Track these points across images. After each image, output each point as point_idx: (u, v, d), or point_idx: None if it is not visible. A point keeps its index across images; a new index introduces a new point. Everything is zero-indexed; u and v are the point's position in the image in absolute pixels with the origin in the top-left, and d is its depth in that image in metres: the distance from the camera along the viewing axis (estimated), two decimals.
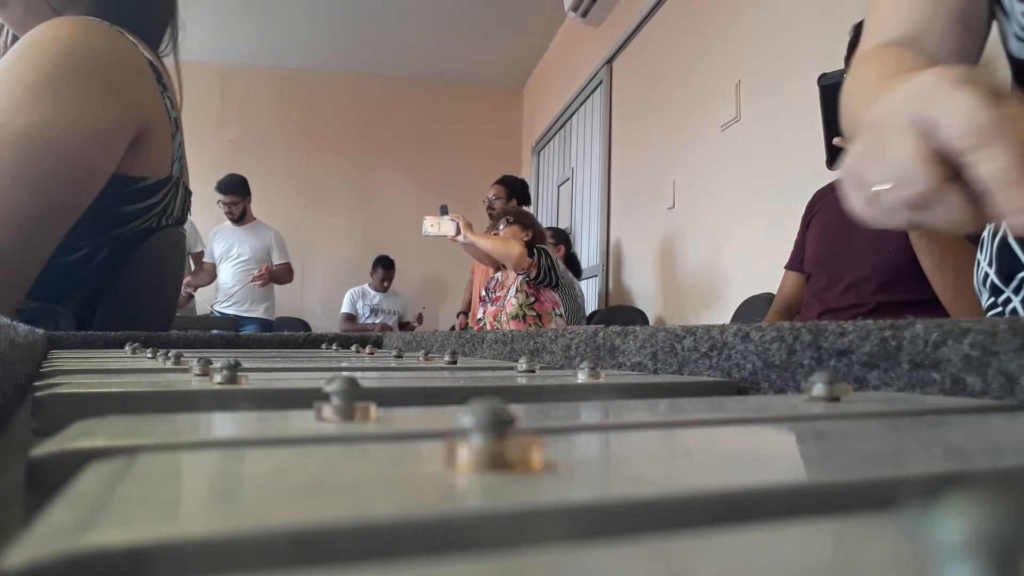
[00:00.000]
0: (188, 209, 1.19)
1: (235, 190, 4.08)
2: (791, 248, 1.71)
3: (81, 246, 1.01)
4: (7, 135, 0.86)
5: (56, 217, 0.93)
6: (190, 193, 1.20)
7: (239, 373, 0.37)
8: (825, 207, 1.50)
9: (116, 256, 1.05)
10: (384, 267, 4.92)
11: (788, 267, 1.68)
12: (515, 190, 3.79)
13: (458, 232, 2.89)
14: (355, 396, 0.24)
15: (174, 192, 1.10)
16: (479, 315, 2.98)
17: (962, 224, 0.39)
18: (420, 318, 5.05)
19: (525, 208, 3.51)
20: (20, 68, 0.90)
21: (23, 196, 0.88)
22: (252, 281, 4.05)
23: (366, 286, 4.98)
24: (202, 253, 4.05)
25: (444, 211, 3.11)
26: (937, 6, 0.64)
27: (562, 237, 3.82)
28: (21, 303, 0.97)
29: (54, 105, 0.90)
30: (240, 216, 4.16)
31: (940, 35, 0.64)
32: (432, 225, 3.00)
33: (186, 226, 1.24)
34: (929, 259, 1.13)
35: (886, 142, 0.40)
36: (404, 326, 4.85)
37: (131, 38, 1.03)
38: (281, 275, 4.27)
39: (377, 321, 4.81)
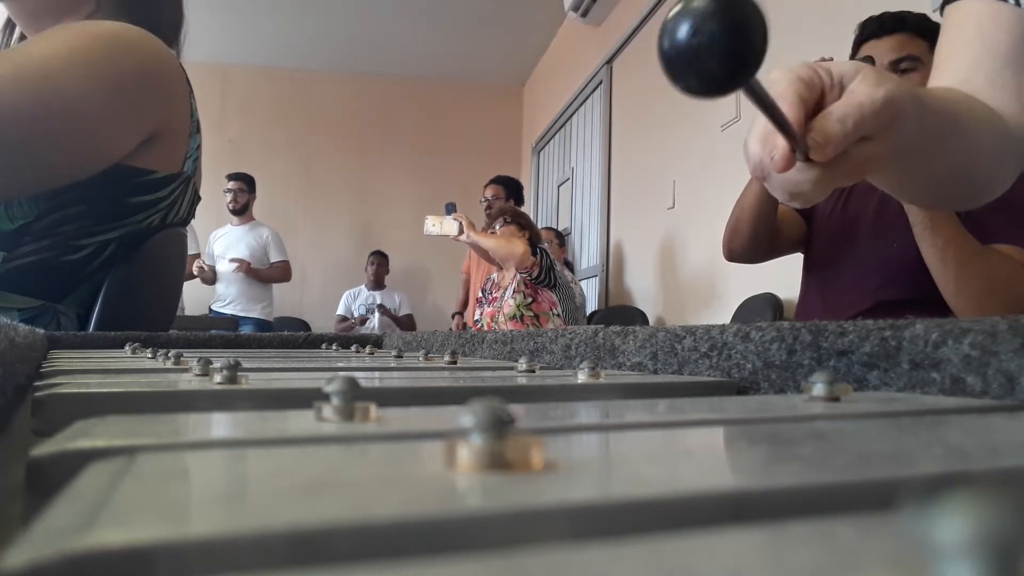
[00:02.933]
0: (193, 212, 1.19)
1: (243, 178, 4.22)
2: None
3: (85, 245, 1.01)
4: (26, 67, 0.87)
5: (31, 182, 0.93)
6: (199, 198, 1.20)
7: (239, 373, 0.37)
8: (829, 197, 1.49)
9: (119, 255, 1.05)
10: (378, 259, 4.92)
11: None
12: (512, 190, 3.79)
13: (460, 232, 2.88)
14: (355, 396, 0.24)
15: (183, 189, 1.11)
16: (476, 316, 2.98)
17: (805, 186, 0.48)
18: (411, 318, 5.01)
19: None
20: (53, 42, 0.92)
21: (19, 110, 0.87)
22: (235, 271, 4.07)
23: (362, 286, 4.98)
24: (197, 255, 4.06)
25: (451, 209, 3.11)
26: (986, 50, 0.66)
27: (562, 238, 3.83)
28: (23, 302, 0.97)
29: (68, 79, 0.91)
30: (242, 208, 4.20)
31: (986, 79, 0.66)
32: (434, 224, 3.00)
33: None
34: (932, 251, 1.12)
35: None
36: (397, 321, 4.82)
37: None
38: (276, 273, 4.28)
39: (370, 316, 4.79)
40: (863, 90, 0.47)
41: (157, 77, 1.02)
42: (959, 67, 0.68)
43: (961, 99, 0.63)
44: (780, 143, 0.46)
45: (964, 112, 0.61)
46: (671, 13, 0.33)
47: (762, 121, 0.48)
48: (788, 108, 0.46)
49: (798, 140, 0.46)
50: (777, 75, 0.49)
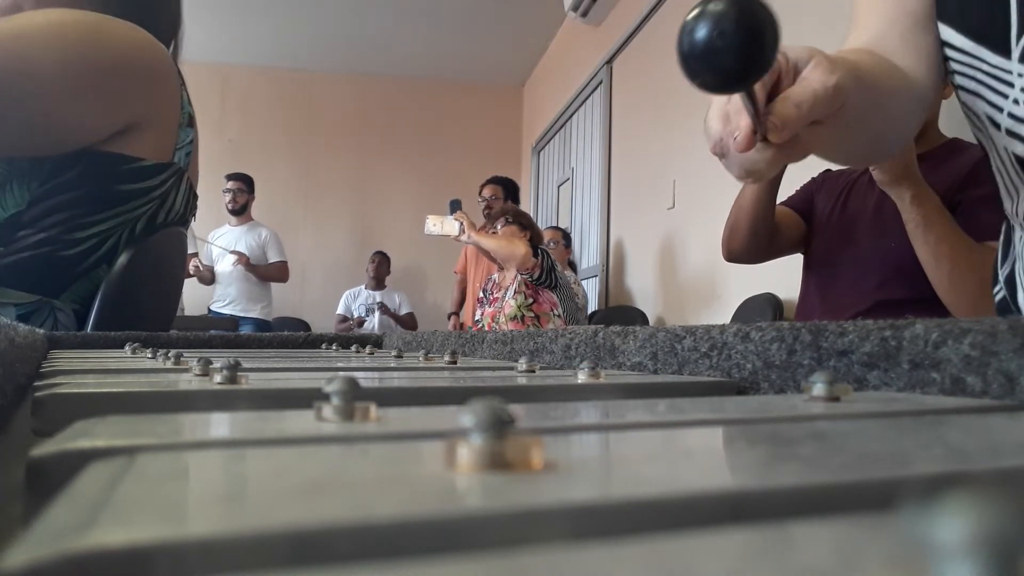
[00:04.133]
0: (192, 212, 1.19)
1: (242, 178, 4.24)
2: None
3: (81, 238, 1.01)
4: (7, 24, 0.89)
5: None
6: (196, 196, 1.20)
7: (239, 373, 0.37)
8: (829, 196, 1.48)
9: (117, 250, 1.05)
10: (379, 258, 4.92)
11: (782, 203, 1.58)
12: (509, 190, 3.79)
13: (461, 232, 2.88)
14: (355, 396, 0.24)
15: (176, 182, 1.11)
16: (476, 316, 2.98)
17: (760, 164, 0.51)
18: (412, 317, 5.01)
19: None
20: (30, 18, 0.93)
21: None
22: (235, 264, 4.08)
23: (362, 286, 4.98)
24: (195, 254, 4.07)
25: (457, 205, 3.10)
26: (902, 8, 0.71)
27: (569, 239, 3.82)
28: (20, 297, 0.98)
29: (58, 44, 0.92)
30: (241, 209, 4.22)
31: (900, 37, 0.70)
32: (435, 224, 2.99)
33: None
34: (925, 248, 1.12)
35: None
36: (398, 320, 4.82)
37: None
38: (274, 272, 4.28)
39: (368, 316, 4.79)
40: (817, 76, 0.50)
41: (138, 68, 1.03)
42: (875, 22, 0.72)
43: (883, 67, 0.67)
44: (743, 124, 0.49)
45: (886, 81, 0.65)
46: (690, 15, 0.36)
47: (720, 100, 0.51)
48: None
49: (760, 123, 0.48)
50: None
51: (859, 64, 0.60)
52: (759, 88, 0.48)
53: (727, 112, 0.51)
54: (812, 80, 0.50)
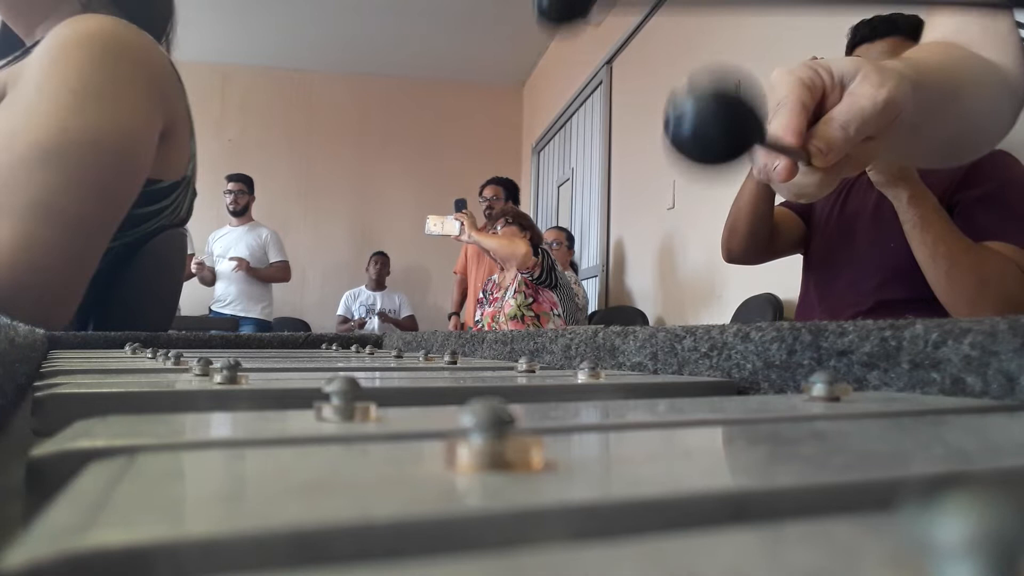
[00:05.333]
0: (191, 210, 1.19)
1: (243, 179, 4.24)
2: None
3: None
4: (66, 141, 0.87)
5: (112, 217, 0.94)
6: (195, 193, 1.20)
7: (239, 373, 0.37)
8: (828, 196, 1.48)
9: (121, 257, 1.05)
10: (379, 259, 4.92)
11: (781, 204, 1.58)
12: (510, 191, 3.79)
13: (462, 231, 2.88)
14: (355, 396, 0.24)
15: (184, 193, 1.11)
16: (476, 316, 2.98)
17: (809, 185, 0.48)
18: (412, 320, 5.01)
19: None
20: (63, 70, 0.90)
21: (86, 200, 0.88)
22: (235, 270, 4.08)
23: (363, 287, 4.98)
24: (193, 255, 4.07)
25: (462, 205, 3.10)
26: None
27: (572, 240, 3.82)
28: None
29: (102, 107, 0.91)
30: (242, 210, 4.22)
31: (980, 25, 0.65)
32: (435, 224, 2.99)
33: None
34: (922, 248, 1.12)
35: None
36: (398, 325, 4.82)
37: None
38: (275, 273, 4.28)
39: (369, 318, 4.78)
40: (865, 91, 0.47)
41: (157, 78, 1.01)
42: (951, 12, 0.68)
43: (958, 60, 0.62)
44: (781, 158, 0.46)
45: (962, 75, 0.60)
46: (672, 109, 0.37)
47: None
48: (791, 116, 0.46)
49: (799, 152, 0.46)
50: (778, 77, 0.48)
51: (922, 64, 0.56)
52: (799, 113, 0.46)
53: (805, 89, 0.47)
54: (859, 96, 0.47)
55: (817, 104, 0.48)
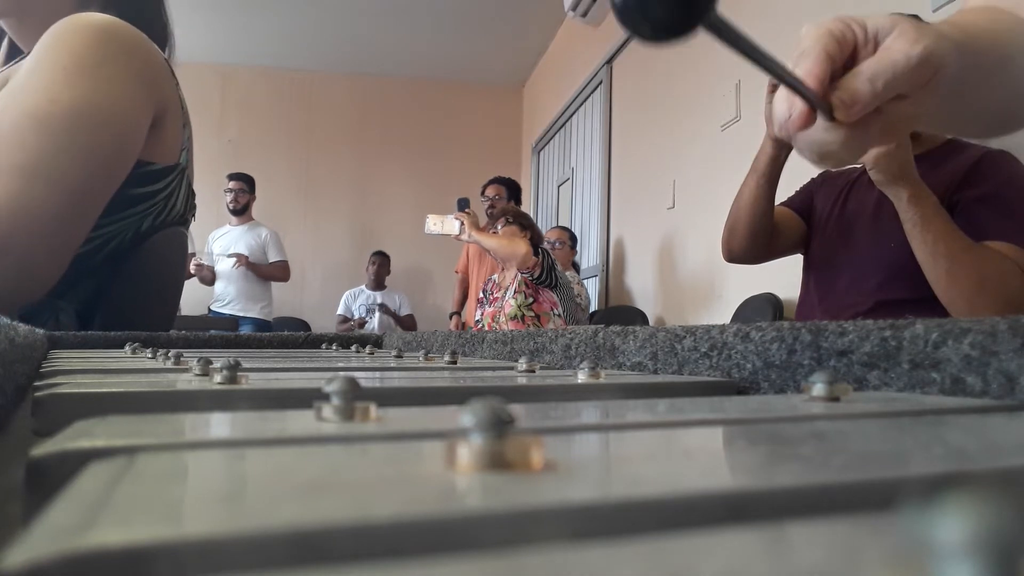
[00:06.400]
0: (192, 210, 1.19)
1: (244, 178, 4.25)
2: None
3: (91, 238, 1.01)
4: (56, 111, 0.89)
5: (102, 188, 0.96)
6: (193, 194, 1.20)
7: (239, 373, 0.37)
8: (829, 196, 1.49)
9: (120, 251, 1.05)
10: (379, 259, 4.92)
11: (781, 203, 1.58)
12: (512, 190, 3.80)
13: (462, 230, 2.88)
14: (355, 396, 0.24)
15: (178, 182, 1.11)
16: (476, 316, 2.98)
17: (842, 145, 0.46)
18: (412, 319, 5.01)
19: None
20: (57, 53, 0.93)
21: (75, 166, 0.90)
22: (235, 266, 4.08)
23: (363, 287, 4.98)
24: (193, 255, 4.07)
25: (465, 204, 3.10)
26: None
27: (575, 240, 3.82)
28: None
29: (95, 83, 0.93)
30: (242, 209, 4.22)
31: None
32: (435, 223, 2.99)
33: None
34: (922, 247, 1.12)
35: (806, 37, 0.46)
36: (399, 321, 4.82)
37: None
38: (275, 272, 4.28)
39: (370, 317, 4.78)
40: (899, 46, 0.44)
41: (149, 65, 1.03)
42: None
43: (1005, 25, 0.58)
44: (799, 101, 0.44)
45: (1010, 41, 0.57)
46: None
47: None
48: (814, 63, 0.44)
49: (816, 98, 0.44)
50: (807, 29, 0.46)
51: (967, 27, 0.53)
52: (823, 61, 0.43)
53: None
54: (892, 51, 0.44)
55: (849, 59, 0.45)
